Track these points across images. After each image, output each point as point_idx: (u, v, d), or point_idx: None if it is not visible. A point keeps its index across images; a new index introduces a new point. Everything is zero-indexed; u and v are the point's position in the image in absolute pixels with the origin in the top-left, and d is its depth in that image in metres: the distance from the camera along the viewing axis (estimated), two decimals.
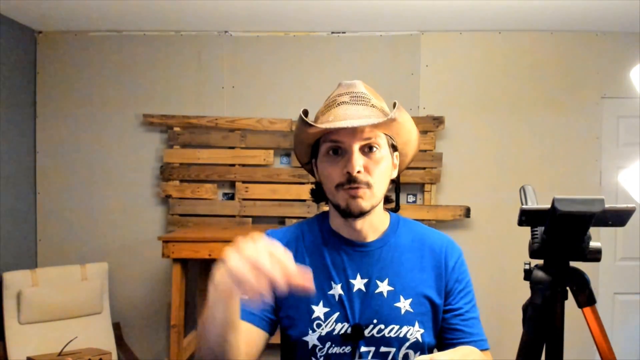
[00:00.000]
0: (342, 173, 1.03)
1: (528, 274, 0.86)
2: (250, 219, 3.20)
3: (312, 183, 2.90)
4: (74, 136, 3.27)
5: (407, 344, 1.05)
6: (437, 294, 1.09)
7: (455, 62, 3.24)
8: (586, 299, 0.85)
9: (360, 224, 1.08)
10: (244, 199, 3.20)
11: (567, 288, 0.85)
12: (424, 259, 1.11)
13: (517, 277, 0.94)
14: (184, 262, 2.75)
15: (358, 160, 1.01)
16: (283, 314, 1.08)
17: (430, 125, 3.15)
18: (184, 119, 3.21)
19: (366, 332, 1.04)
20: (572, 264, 0.84)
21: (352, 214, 1.05)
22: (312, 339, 1.05)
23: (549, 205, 0.76)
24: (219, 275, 0.78)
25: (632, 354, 3.13)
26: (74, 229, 3.27)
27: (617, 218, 0.78)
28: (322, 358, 1.05)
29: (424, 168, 3.15)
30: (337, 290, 1.07)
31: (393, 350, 1.04)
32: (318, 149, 1.09)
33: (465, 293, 1.12)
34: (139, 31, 3.26)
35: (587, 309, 0.85)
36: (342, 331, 1.04)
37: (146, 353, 3.23)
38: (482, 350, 1.07)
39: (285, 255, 0.75)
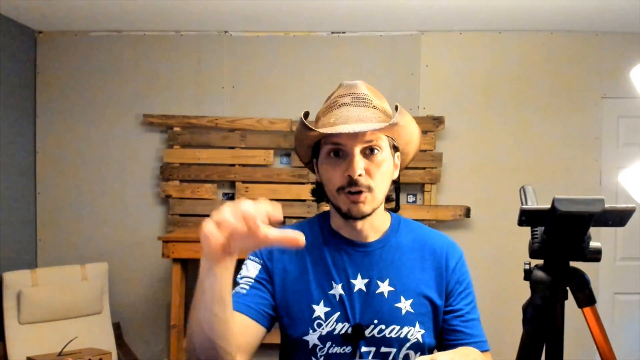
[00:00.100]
0: (343, 176, 1.03)
1: (528, 274, 0.86)
2: None
3: (312, 183, 2.89)
4: (74, 136, 3.27)
5: (408, 344, 1.05)
6: (438, 295, 1.09)
7: (455, 62, 3.24)
8: (586, 299, 0.85)
9: (361, 224, 1.08)
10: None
11: (567, 288, 0.85)
12: (424, 260, 1.11)
13: (517, 277, 0.94)
14: (184, 262, 2.75)
15: (359, 164, 1.01)
16: (283, 313, 1.08)
17: (430, 125, 3.15)
18: (184, 119, 3.21)
19: (367, 332, 1.04)
20: (572, 264, 0.84)
21: (353, 217, 1.05)
22: (312, 338, 1.05)
23: (549, 205, 0.76)
24: (207, 228, 0.75)
25: (632, 354, 3.13)
26: (74, 229, 3.27)
27: (617, 218, 0.77)
28: (322, 358, 1.05)
29: (424, 168, 3.15)
30: (337, 290, 1.07)
31: (393, 350, 1.04)
32: (319, 149, 1.09)
33: (466, 294, 1.12)
34: (139, 31, 3.26)
35: (587, 309, 0.85)
36: (343, 331, 1.04)
37: (146, 353, 3.23)
38: (482, 351, 1.07)
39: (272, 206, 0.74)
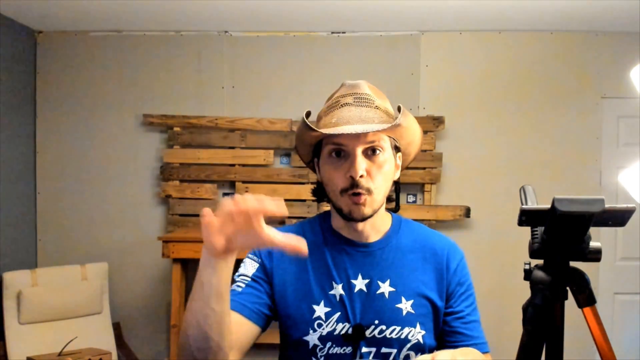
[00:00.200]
0: (345, 177, 1.02)
1: (528, 274, 0.86)
2: None
3: (312, 183, 2.89)
4: (74, 136, 3.27)
5: (408, 345, 1.05)
6: (439, 296, 1.09)
7: (455, 62, 3.24)
8: (586, 299, 0.85)
9: (361, 225, 1.08)
10: None
11: (567, 288, 0.85)
12: (425, 261, 1.11)
13: (517, 277, 0.94)
14: (184, 262, 2.75)
15: (361, 164, 1.01)
16: (283, 313, 1.08)
17: (430, 125, 3.15)
18: (184, 119, 3.21)
19: (367, 332, 1.04)
20: (572, 264, 0.84)
21: (354, 219, 1.05)
22: (312, 338, 1.05)
23: (549, 205, 0.76)
24: (209, 219, 0.76)
25: (632, 354, 3.13)
26: (74, 229, 3.27)
27: (617, 218, 0.77)
28: (322, 358, 1.04)
29: (424, 168, 3.15)
30: (338, 290, 1.07)
31: (394, 351, 1.04)
32: (320, 148, 1.09)
33: (467, 296, 1.12)
34: (139, 31, 3.26)
35: (587, 309, 0.85)
36: (343, 331, 1.04)
37: (146, 353, 3.23)
38: (483, 353, 1.07)
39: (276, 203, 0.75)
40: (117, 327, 3.10)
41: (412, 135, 1.11)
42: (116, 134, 3.27)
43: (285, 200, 3.19)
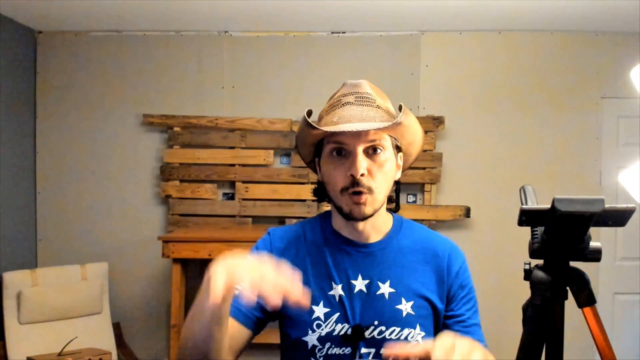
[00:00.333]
0: (346, 176, 1.02)
1: (528, 274, 0.86)
2: (250, 219, 3.20)
3: (312, 183, 2.89)
4: (74, 136, 3.27)
5: None
6: (439, 298, 1.09)
7: (455, 62, 3.24)
8: (586, 299, 0.85)
9: (362, 225, 1.07)
10: (244, 199, 3.20)
11: (567, 288, 0.85)
12: (426, 262, 1.11)
13: (517, 277, 0.94)
14: (184, 262, 2.75)
15: (362, 163, 1.01)
16: (282, 314, 1.07)
17: (430, 125, 3.15)
18: (184, 119, 3.21)
19: (367, 333, 1.04)
20: (572, 264, 0.84)
21: (355, 219, 1.05)
22: (311, 339, 1.04)
23: (549, 205, 0.76)
24: (217, 272, 0.77)
25: (632, 354, 3.13)
26: (74, 229, 3.27)
27: (617, 218, 0.77)
28: (321, 359, 1.04)
29: (424, 168, 3.15)
30: (337, 290, 1.06)
31: None
32: (321, 148, 1.08)
33: (468, 299, 1.11)
34: (139, 31, 3.26)
35: (587, 309, 0.85)
36: (342, 332, 1.04)
37: (146, 353, 3.23)
38: None
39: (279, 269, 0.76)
40: (117, 327, 3.10)
41: (414, 135, 1.10)
42: (116, 134, 3.27)
43: (285, 200, 3.21)
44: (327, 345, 1.04)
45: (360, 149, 1.01)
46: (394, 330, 1.04)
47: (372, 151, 1.03)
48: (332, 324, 1.04)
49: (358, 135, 1.01)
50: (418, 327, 1.05)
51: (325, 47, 3.25)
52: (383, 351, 0.81)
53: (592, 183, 3.18)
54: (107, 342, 2.95)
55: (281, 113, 3.21)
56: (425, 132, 3.13)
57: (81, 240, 3.26)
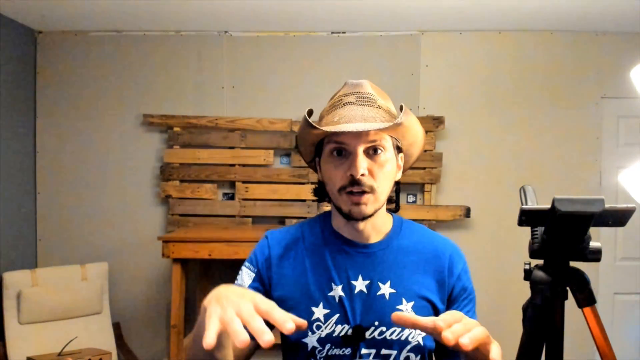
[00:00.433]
0: (345, 175, 1.02)
1: (528, 274, 0.86)
2: (250, 219, 3.20)
3: (313, 183, 2.88)
4: (74, 136, 3.27)
5: (409, 347, 1.04)
6: (440, 299, 1.08)
7: (455, 62, 3.24)
8: (586, 299, 0.85)
9: (362, 225, 1.07)
10: (244, 199, 3.20)
11: (567, 288, 0.85)
12: (427, 263, 1.10)
13: (517, 277, 0.94)
14: (184, 262, 2.75)
15: (362, 163, 1.00)
16: None
17: (430, 125, 3.15)
18: (184, 119, 3.21)
19: (367, 334, 1.04)
20: (572, 264, 0.84)
21: (354, 218, 1.04)
22: (311, 340, 1.04)
23: (549, 205, 0.76)
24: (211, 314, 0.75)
25: (632, 354, 3.13)
26: (74, 229, 3.27)
27: (617, 218, 0.77)
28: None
29: (424, 168, 3.15)
30: (337, 291, 1.06)
31: (394, 353, 1.04)
32: (322, 147, 1.08)
33: (469, 300, 1.11)
34: (139, 31, 3.26)
35: (587, 309, 0.85)
36: (342, 333, 1.04)
37: (146, 353, 3.23)
38: None
39: (270, 306, 0.74)
40: (117, 327, 3.10)
41: (415, 135, 1.10)
42: (116, 133, 3.27)
43: (285, 200, 3.20)
44: (327, 346, 1.04)
45: (360, 149, 1.01)
46: (394, 331, 1.04)
47: (372, 151, 1.03)
48: (332, 325, 1.04)
49: (359, 135, 1.00)
50: None
51: (325, 47, 3.25)
52: (393, 315, 0.81)
53: (592, 183, 3.18)
54: (107, 342, 2.95)
55: (281, 113, 3.21)
56: (425, 132, 3.12)
57: (81, 240, 3.26)
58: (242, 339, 0.68)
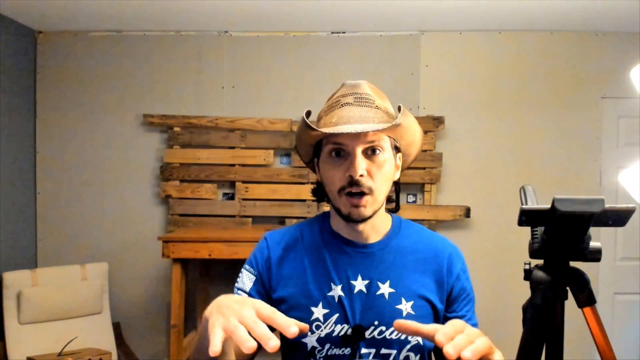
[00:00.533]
0: (344, 176, 1.02)
1: (528, 274, 0.86)
2: (250, 219, 3.20)
3: (312, 183, 2.88)
4: (74, 136, 3.28)
5: (408, 346, 1.04)
6: (439, 299, 1.09)
7: (455, 62, 3.24)
8: (586, 299, 0.85)
9: (362, 226, 1.07)
10: (244, 199, 3.20)
11: (567, 288, 0.85)
12: (426, 263, 1.11)
13: (517, 277, 0.94)
14: (184, 262, 2.75)
15: (361, 164, 1.00)
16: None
17: (430, 125, 3.15)
18: (184, 119, 3.21)
19: (367, 333, 1.04)
20: (572, 264, 0.84)
21: (354, 220, 1.05)
22: (311, 340, 1.04)
23: (549, 205, 0.76)
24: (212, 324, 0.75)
25: (632, 354, 3.13)
26: (74, 229, 3.27)
27: (617, 218, 0.77)
28: (321, 359, 1.04)
29: (424, 168, 3.15)
30: (336, 291, 1.06)
31: (394, 352, 1.04)
32: (320, 148, 1.08)
33: (468, 300, 1.12)
34: (139, 31, 3.26)
35: (587, 309, 0.85)
36: (342, 333, 1.04)
37: (146, 353, 3.23)
38: None
39: (271, 311, 0.75)
40: (117, 327, 3.10)
41: (412, 135, 1.10)
42: (116, 134, 3.27)
43: (285, 200, 3.20)
44: (327, 346, 1.04)
45: (359, 150, 1.01)
46: (394, 330, 1.04)
47: (371, 152, 1.03)
48: (332, 324, 1.04)
49: (357, 136, 1.01)
50: None
51: (325, 47, 3.25)
52: (395, 322, 0.81)
53: (592, 183, 3.18)
54: (107, 342, 2.95)
55: (281, 113, 3.21)
56: (425, 132, 3.14)
57: (81, 240, 3.26)
58: (249, 345, 0.69)
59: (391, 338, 1.04)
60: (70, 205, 3.27)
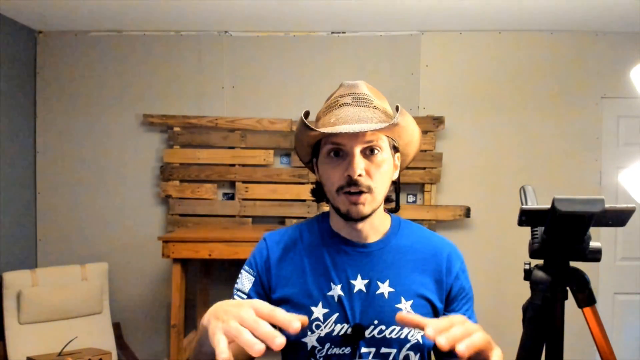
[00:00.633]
0: (342, 176, 1.02)
1: (528, 274, 0.86)
2: (250, 219, 3.20)
3: (312, 183, 2.88)
4: (74, 136, 3.28)
5: (408, 345, 1.05)
6: (438, 298, 1.09)
7: (455, 62, 3.24)
8: (586, 299, 0.85)
9: (361, 225, 1.08)
10: (244, 199, 3.20)
11: (567, 288, 0.85)
12: (425, 262, 1.11)
13: (517, 277, 0.94)
14: (184, 262, 2.75)
15: (359, 164, 1.01)
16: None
17: (430, 125, 3.15)
18: (184, 119, 3.21)
19: (367, 332, 1.04)
20: (572, 264, 0.84)
21: (353, 219, 1.05)
22: (310, 340, 1.04)
23: (549, 205, 0.76)
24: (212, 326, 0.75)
25: (632, 354, 3.13)
26: (74, 229, 3.27)
27: (617, 218, 0.77)
28: (321, 359, 1.04)
29: (424, 168, 3.15)
30: (336, 291, 1.06)
31: (394, 351, 1.04)
32: (319, 148, 1.09)
33: (467, 300, 1.12)
34: (139, 31, 3.26)
35: (587, 309, 0.85)
36: (342, 332, 1.04)
37: (146, 353, 3.23)
38: None
39: (270, 309, 0.74)
40: (117, 327, 3.10)
41: (411, 135, 1.10)
42: (116, 134, 3.27)
43: (285, 200, 3.19)
44: (327, 345, 1.04)
45: (357, 150, 1.02)
46: (393, 330, 1.04)
47: (369, 152, 1.03)
48: (332, 324, 1.04)
49: (355, 136, 1.01)
50: None
51: (325, 47, 3.25)
52: (397, 315, 0.80)
53: (592, 183, 3.18)
54: (107, 342, 2.95)
55: (281, 113, 3.21)
56: (425, 132, 3.14)
57: (81, 240, 3.26)
58: (258, 349, 0.67)
59: (391, 337, 1.04)
60: (70, 205, 3.27)
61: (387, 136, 1.06)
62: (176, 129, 3.21)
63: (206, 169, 3.20)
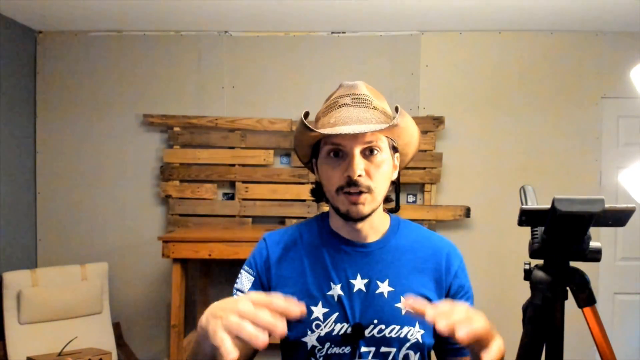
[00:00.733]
0: (342, 176, 1.03)
1: (528, 274, 0.86)
2: (250, 219, 3.20)
3: (312, 183, 2.88)
4: (74, 136, 3.28)
5: (408, 344, 1.05)
6: (437, 297, 1.09)
7: (455, 62, 3.24)
8: (586, 299, 0.85)
9: (360, 224, 1.08)
10: (244, 199, 3.20)
11: (567, 288, 0.85)
12: (424, 261, 1.11)
13: (517, 277, 0.94)
14: (184, 262, 2.75)
15: (359, 164, 1.01)
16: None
17: (430, 125, 3.15)
18: (184, 119, 3.21)
19: (366, 332, 1.04)
20: (572, 264, 0.84)
21: (352, 218, 1.05)
22: (310, 339, 1.05)
23: (549, 205, 0.76)
24: (211, 325, 0.74)
25: (632, 354, 3.13)
26: (74, 229, 3.27)
27: (617, 218, 0.77)
28: (321, 358, 1.05)
29: (424, 168, 3.15)
30: (336, 290, 1.07)
31: (393, 350, 1.04)
32: (319, 149, 1.09)
33: (467, 298, 1.12)
34: (139, 31, 3.27)
35: (587, 309, 0.85)
36: (342, 331, 1.04)
37: (146, 353, 3.23)
38: None
39: (266, 298, 0.73)
40: (117, 327, 3.10)
41: (410, 135, 1.11)
42: (116, 134, 3.27)
43: (285, 200, 3.19)
44: (327, 345, 1.04)
45: (357, 151, 1.02)
46: (393, 329, 1.04)
47: (369, 152, 1.04)
48: (332, 324, 1.05)
49: (355, 136, 1.01)
50: (417, 324, 1.06)
51: (325, 47, 3.25)
52: (403, 300, 0.80)
53: (592, 183, 3.18)
54: (107, 342, 2.95)
55: (281, 113, 3.21)
56: (425, 132, 3.15)
57: (81, 240, 3.26)
58: (262, 340, 0.67)
59: (391, 336, 1.04)
60: (70, 205, 3.27)
61: (387, 137, 1.07)
62: (176, 129, 3.21)
63: (206, 169, 3.20)
